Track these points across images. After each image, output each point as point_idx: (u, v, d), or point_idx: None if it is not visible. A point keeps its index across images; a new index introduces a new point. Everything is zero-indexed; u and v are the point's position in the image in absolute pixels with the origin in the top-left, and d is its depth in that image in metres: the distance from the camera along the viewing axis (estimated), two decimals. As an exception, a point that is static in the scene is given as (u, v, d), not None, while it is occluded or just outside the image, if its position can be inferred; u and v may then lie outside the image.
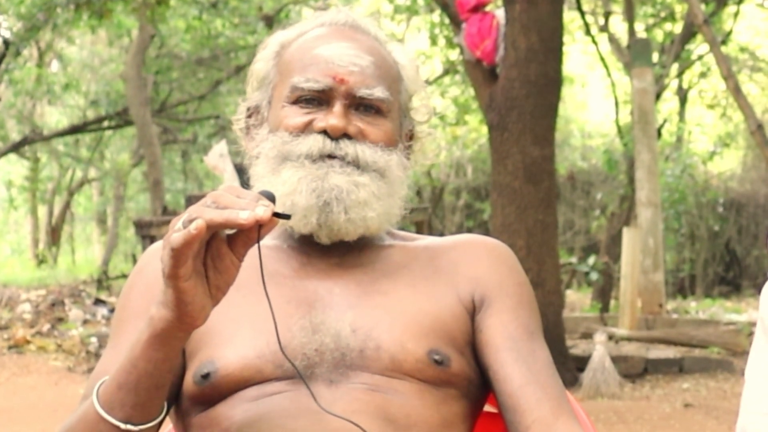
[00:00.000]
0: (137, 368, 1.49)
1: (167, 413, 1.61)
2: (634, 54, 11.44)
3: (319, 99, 1.73)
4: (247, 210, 1.38)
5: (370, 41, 1.81)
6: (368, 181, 1.71)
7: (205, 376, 1.64)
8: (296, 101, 1.74)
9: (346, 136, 1.72)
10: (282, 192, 1.69)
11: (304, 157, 1.70)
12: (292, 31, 1.84)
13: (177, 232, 1.38)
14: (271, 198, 1.42)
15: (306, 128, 1.72)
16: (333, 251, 1.76)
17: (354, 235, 1.73)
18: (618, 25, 16.47)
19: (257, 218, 1.38)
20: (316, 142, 1.70)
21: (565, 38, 8.75)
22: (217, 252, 1.43)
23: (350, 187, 1.69)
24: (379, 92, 1.74)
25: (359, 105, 1.74)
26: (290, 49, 1.79)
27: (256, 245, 1.45)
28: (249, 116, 1.83)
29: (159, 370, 1.49)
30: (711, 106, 19.87)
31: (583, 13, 13.10)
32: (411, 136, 1.85)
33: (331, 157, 1.71)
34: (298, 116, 1.73)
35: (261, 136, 1.78)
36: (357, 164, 1.71)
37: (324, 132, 1.71)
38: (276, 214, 1.40)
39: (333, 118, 1.71)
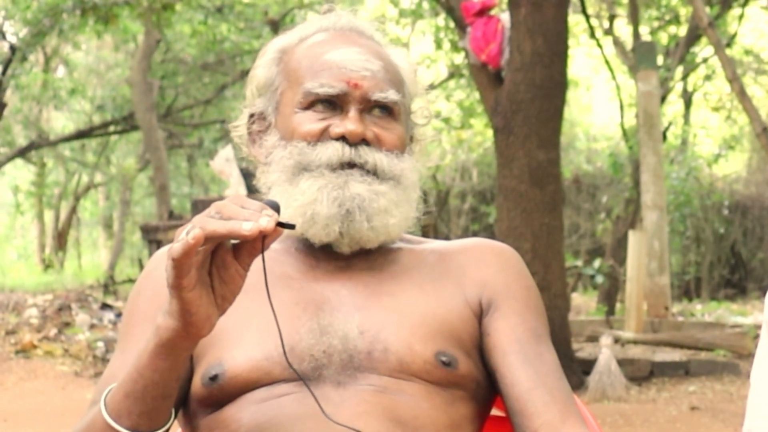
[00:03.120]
0: (144, 377, 1.50)
1: (175, 418, 1.62)
2: (639, 57, 11.43)
3: (333, 104, 1.73)
4: (250, 221, 1.38)
5: (375, 45, 1.81)
6: (387, 189, 1.72)
7: (213, 378, 1.65)
8: (309, 107, 1.74)
9: (364, 141, 1.72)
10: (301, 202, 1.69)
11: (324, 166, 1.70)
12: (291, 36, 1.83)
13: (178, 242, 1.39)
14: (276, 208, 1.42)
15: (322, 135, 1.72)
16: (341, 254, 1.77)
17: (375, 242, 1.74)
18: (623, 29, 16.46)
19: (261, 229, 1.38)
20: (335, 151, 1.70)
21: (570, 42, 8.75)
22: (222, 262, 1.43)
23: (371, 195, 1.70)
24: (392, 95, 1.75)
25: (372, 109, 1.75)
26: (295, 54, 1.79)
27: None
28: (252, 123, 1.82)
29: (165, 379, 1.50)
30: (716, 109, 19.83)
31: (587, 17, 13.09)
32: (411, 139, 1.85)
33: (350, 165, 1.71)
34: (312, 123, 1.73)
35: (271, 142, 1.77)
36: (375, 172, 1.72)
37: (341, 138, 1.71)
38: (280, 224, 1.41)
39: (350, 123, 1.71)
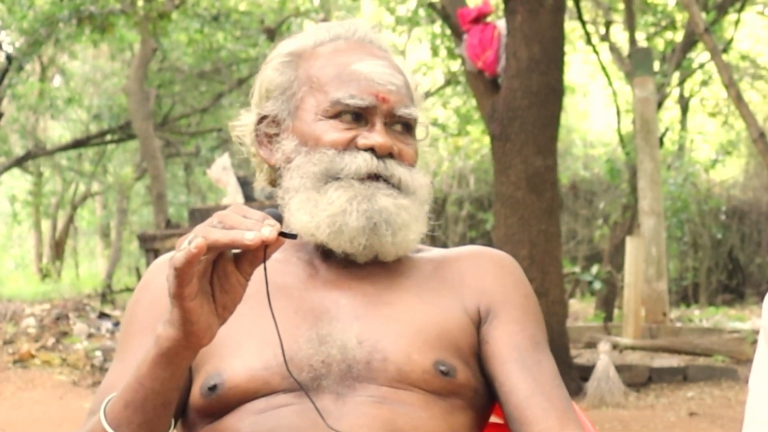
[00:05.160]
0: (144, 387, 1.50)
1: (174, 428, 1.62)
2: (636, 63, 11.44)
3: (358, 115, 1.74)
4: (252, 230, 1.38)
5: (393, 59, 1.82)
6: (409, 203, 1.73)
7: (212, 388, 1.65)
8: (335, 116, 1.74)
9: (389, 155, 1.73)
10: (330, 212, 1.69)
11: (352, 176, 1.70)
12: (304, 41, 1.82)
13: (180, 251, 1.39)
14: (278, 217, 1.43)
15: (348, 145, 1.73)
16: (341, 263, 1.77)
17: (393, 257, 1.75)
18: (619, 35, 16.48)
19: (263, 239, 1.38)
20: (364, 161, 1.71)
21: (567, 48, 8.76)
22: (224, 271, 1.43)
23: (396, 209, 1.71)
24: (415, 111, 1.77)
25: (394, 123, 1.76)
26: (317, 60, 1.78)
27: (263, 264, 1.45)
28: (261, 125, 1.81)
29: (165, 389, 1.50)
30: (713, 115, 19.86)
31: (584, 23, 13.10)
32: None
33: (376, 177, 1.71)
34: (339, 132, 1.73)
35: (289, 147, 1.77)
36: (399, 186, 1.72)
37: (369, 150, 1.72)
38: (282, 234, 1.41)
39: (379, 136, 1.72)
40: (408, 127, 1.78)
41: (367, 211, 1.69)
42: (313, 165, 1.72)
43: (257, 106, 1.83)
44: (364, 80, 1.74)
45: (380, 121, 1.74)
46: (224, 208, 1.47)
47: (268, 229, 1.38)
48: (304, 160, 1.74)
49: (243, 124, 1.84)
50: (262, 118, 1.82)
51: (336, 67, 1.76)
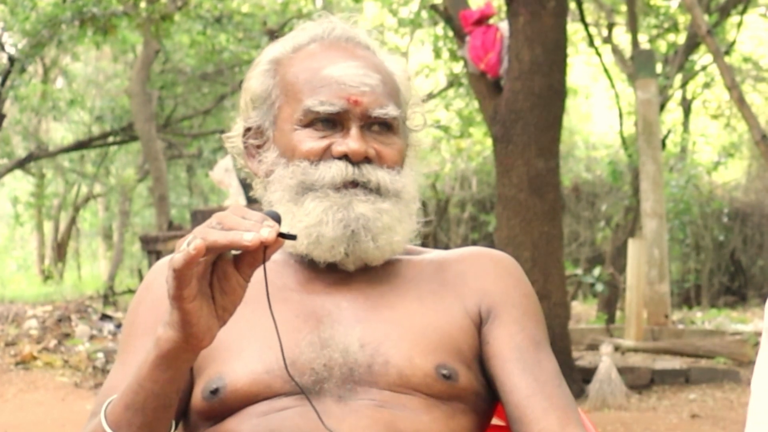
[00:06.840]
0: (144, 389, 1.50)
1: (175, 430, 1.62)
2: (638, 65, 11.45)
3: (333, 121, 1.72)
4: (251, 231, 1.38)
5: (370, 55, 1.79)
6: (390, 206, 1.72)
7: (214, 392, 1.65)
8: (309, 124, 1.73)
9: (366, 159, 1.71)
10: (306, 223, 1.69)
11: (327, 186, 1.69)
12: (284, 45, 1.81)
13: (179, 253, 1.39)
14: (277, 218, 1.42)
15: (324, 154, 1.72)
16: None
17: (380, 260, 1.74)
18: (621, 37, 16.47)
19: (262, 240, 1.38)
20: (339, 170, 1.70)
21: (569, 50, 8.75)
22: (223, 273, 1.43)
23: (375, 214, 1.70)
24: (392, 110, 1.74)
25: (372, 124, 1.74)
26: (292, 68, 1.77)
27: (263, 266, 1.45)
28: (248, 137, 1.81)
29: (166, 391, 1.50)
30: (715, 117, 19.86)
31: (586, 25, 13.10)
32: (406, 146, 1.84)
33: (354, 183, 1.70)
34: (313, 141, 1.72)
35: (271, 159, 1.76)
36: (378, 190, 1.71)
37: (344, 157, 1.71)
38: (281, 235, 1.41)
39: (353, 142, 1.70)
40: (388, 125, 1.75)
41: (343, 220, 1.68)
42: (289, 178, 1.72)
43: (244, 115, 1.82)
44: (335, 84, 1.72)
45: (355, 125, 1.72)
46: (226, 209, 1.46)
47: (267, 230, 1.38)
48: (282, 173, 1.74)
49: (233, 135, 1.84)
50: (247, 130, 1.81)
51: (308, 72, 1.75)
